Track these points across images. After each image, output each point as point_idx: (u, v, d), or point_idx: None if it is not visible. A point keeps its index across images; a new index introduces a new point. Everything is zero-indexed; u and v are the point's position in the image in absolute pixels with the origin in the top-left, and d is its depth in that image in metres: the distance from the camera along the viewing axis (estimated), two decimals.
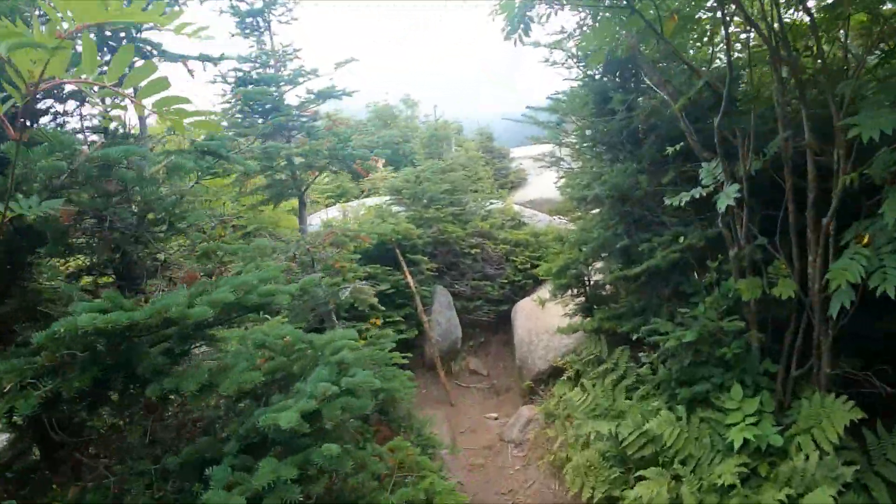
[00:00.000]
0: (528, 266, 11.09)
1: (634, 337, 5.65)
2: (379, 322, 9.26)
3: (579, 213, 7.55)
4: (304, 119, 5.55)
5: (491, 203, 11.93)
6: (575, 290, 7.49)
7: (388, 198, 11.20)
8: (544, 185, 18.35)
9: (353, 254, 9.41)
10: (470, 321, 10.80)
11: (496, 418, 9.03)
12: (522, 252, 11.22)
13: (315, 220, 11.83)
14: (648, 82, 5.34)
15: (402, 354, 9.86)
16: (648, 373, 5.93)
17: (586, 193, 5.73)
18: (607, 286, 7.09)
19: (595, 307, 7.50)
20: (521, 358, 9.21)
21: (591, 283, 7.59)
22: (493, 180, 16.16)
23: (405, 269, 9.72)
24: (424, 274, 10.11)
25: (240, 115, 5.42)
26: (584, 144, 6.50)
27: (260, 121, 5.38)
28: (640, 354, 5.94)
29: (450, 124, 15.25)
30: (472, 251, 10.86)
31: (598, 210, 6.97)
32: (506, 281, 10.88)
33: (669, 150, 4.79)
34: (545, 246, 11.42)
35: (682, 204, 4.09)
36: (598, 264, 7.37)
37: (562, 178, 7.67)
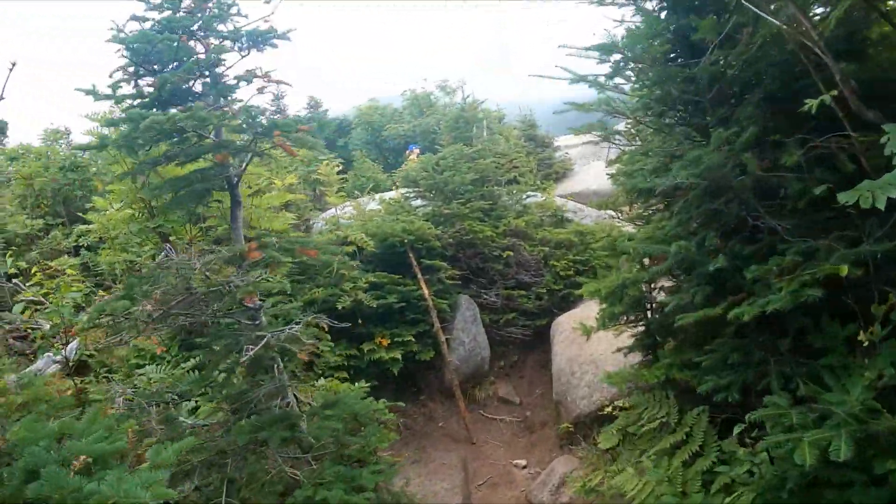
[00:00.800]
0: (572, 272, 8.92)
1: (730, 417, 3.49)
2: (386, 342, 7.39)
3: (640, 211, 5.37)
4: (226, 80, 3.66)
5: (528, 196, 9.79)
6: (632, 315, 5.33)
7: (404, 191, 9.27)
8: (591, 176, 16.38)
9: (352, 259, 7.56)
10: (500, 338, 8.76)
11: (525, 467, 6.99)
12: (565, 255, 9.04)
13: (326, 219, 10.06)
14: (749, 6, 3.14)
15: (410, 383, 8.02)
16: (743, 458, 3.77)
17: (656, 183, 3.58)
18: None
19: (659, 341, 5.32)
20: (559, 392, 7.11)
21: (655, 305, 5.40)
22: (536, 171, 13.98)
23: (419, 276, 7.78)
24: (444, 283, 8.13)
25: (139, 81, 3.59)
26: (651, 110, 4.32)
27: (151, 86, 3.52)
28: (741, 448, 3.75)
29: (486, 109, 13.13)
30: (505, 254, 8.77)
31: (668, 207, 4.81)
32: (544, 290, 8.75)
33: (810, 104, 2.59)
34: (592, 248, 9.23)
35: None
36: (664, 281, 5.19)
37: (615, 162, 5.52)
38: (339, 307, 6.80)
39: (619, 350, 5.46)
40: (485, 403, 8.29)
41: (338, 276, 7.26)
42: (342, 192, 10.59)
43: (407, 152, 15.63)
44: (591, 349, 6.96)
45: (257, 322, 3.72)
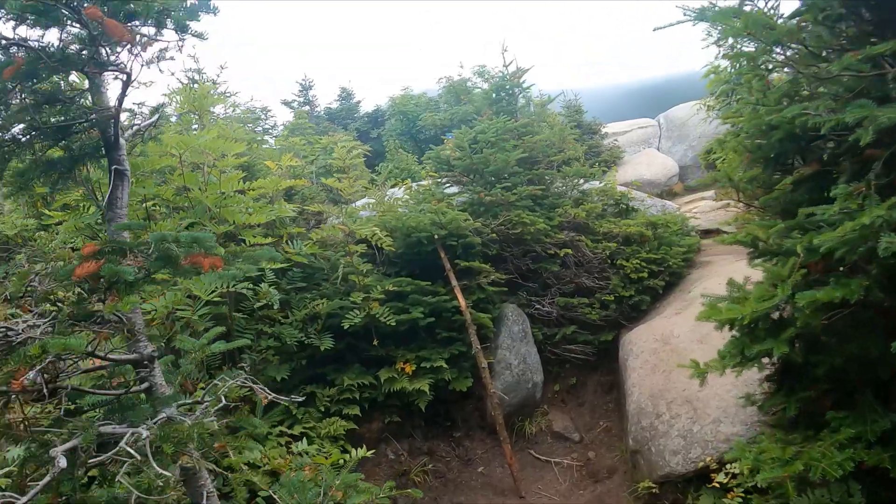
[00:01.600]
0: (645, 274, 6.98)
1: None
2: (410, 368, 5.67)
3: (775, 192, 3.44)
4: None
5: (585, 181, 7.89)
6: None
7: (436, 177, 7.53)
8: (644, 163, 14.80)
9: (367, 262, 5.86)
10: (556, 356, 6.91)
11: None
12: (636, 253, 7.10)
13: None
14: None
15: (442, 416, 6.24)
16: None
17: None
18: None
19: (800, 390, 3.39)
20: (637, 439, 5.21)
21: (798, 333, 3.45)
22: (583, 160, 12.01)
23: (453, 282, 6.02)
24: (486, 290, 6.34)
25: None
26: (823, 14, 2.44)
27: None
28: None
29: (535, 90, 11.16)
30: (561, 253, 6.90)
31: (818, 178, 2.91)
32: (610, 297, 6.85)
33: None
34: (667, 243, 7.27)
35: None
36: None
37: (729, 117, 3.63)
38: (347, 326, 5.12)
39: (747, 401, 3.55)
40: (536, 440, 6.47)
41: (346, 283, 5.59)
42: (370, 181, 8.92)
43: (445, 141, 13.94)
44: (682, 381, 5.05)
45: (146, 386, 2.04)
